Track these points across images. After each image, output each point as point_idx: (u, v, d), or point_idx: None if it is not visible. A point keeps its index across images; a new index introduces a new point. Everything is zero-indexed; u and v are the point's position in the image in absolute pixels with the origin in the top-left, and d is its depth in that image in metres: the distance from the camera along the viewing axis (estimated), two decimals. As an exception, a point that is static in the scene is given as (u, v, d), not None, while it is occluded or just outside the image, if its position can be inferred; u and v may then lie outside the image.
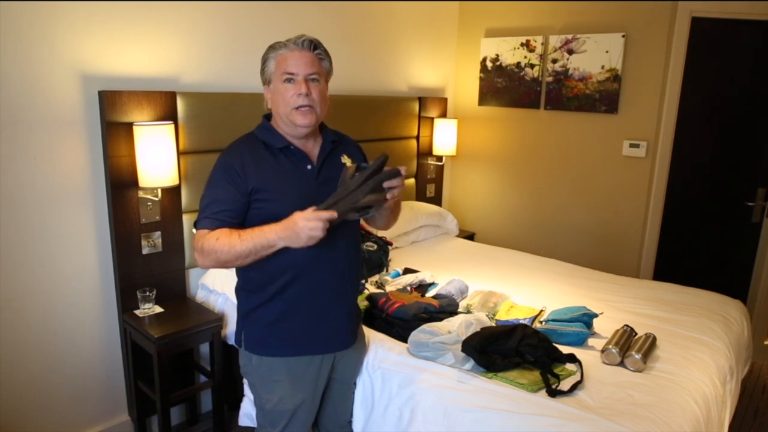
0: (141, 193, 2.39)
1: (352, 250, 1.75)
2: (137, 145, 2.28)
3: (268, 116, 1.70)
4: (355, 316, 1.82)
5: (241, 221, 1.58)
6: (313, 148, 1.68)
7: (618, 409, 1.69)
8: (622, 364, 1.95)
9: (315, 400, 1.77)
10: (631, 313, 2.42)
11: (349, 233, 1.72)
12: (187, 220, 2.57)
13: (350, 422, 1.97)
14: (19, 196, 2.14)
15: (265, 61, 1.62)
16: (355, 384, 1.96)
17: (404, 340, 2.04)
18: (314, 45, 1.60)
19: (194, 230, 1.59)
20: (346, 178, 1.51)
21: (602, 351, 1.99)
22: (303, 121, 1.58)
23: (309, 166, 1.64)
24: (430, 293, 2.53)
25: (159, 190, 2.39)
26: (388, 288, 2.55)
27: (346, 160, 1.72)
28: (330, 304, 1.68)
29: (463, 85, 4.14)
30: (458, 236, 3.74)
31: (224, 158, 1.60)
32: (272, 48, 1.61)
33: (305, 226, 1.43)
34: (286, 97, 1.57)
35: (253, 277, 1.64)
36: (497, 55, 3.86)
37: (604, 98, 3.42)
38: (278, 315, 1.64)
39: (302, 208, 1.54)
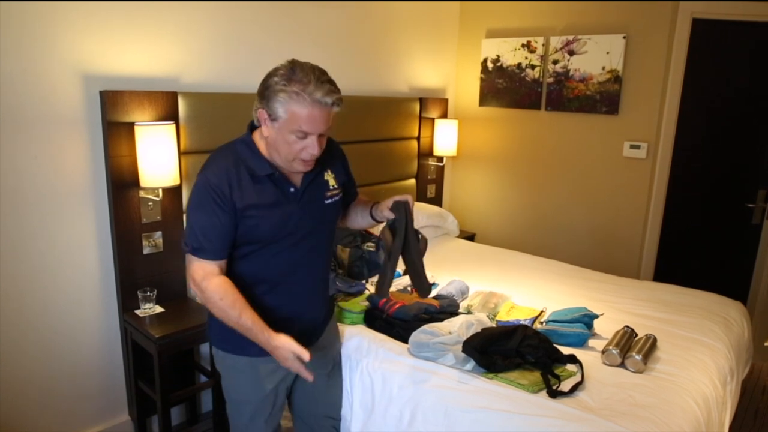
0: (142, 193, 2.39)
1: (326, 261, 1.77)
2: (138, 145, 2.28)
3: (252, 126, 1.61)
4: (322, 319, 1.81)
5: (234, 243, 1.56)
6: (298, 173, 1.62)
7: (618, 409, 1.69)
8: (622, 365, 1.96)
9: (280, 395, 1.77)
10: (631, 314, 2.43)
11: (325, 247, 1.73)
12: (188, 220, 2.57)
13: (333, 418, 1.95)
14: (20, 196, 2.15)
15: (274, 95, 1.43)
16: (333, 376, 1.93)
17: (405, 340, 2.04)
18: (337, 103, 1.46)
19: (186, 253, 1.55)
20: (387, 243, 1.66)
21: (603, 352, 2.00)
22: (305, 169, 1.56)
23: (292, 189, 1.59)
24: (431, 294, 2.53)
25: (160, 190, 2.39)
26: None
27: (329, 176, 1.69)
28: (300, 313, 1.70)
29: (463, 85, 4.14)
30: (459, 237, 3.74)
31: (208, 179, 1.50)
32: (285, 90, 1.41)
33: (286, 358, 1.52)
34: (294, 149, 1.48)
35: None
36: (498, 56, 3.87)
37: (604, 99, 3.42)
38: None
39: (284, 230, 1.57)
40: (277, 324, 1.64)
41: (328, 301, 1.86)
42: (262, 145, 1.56)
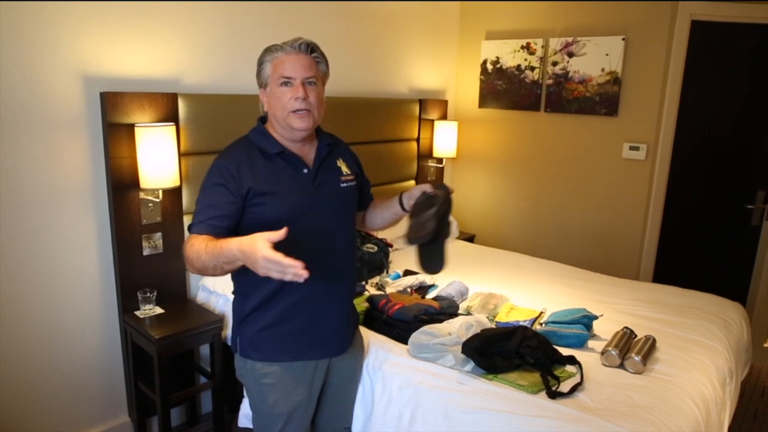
0: (142, 194, 2.39)
1: (349, 252, 1.75)
2: (138, 147, 2.29)
3: (263, 119, 1.69)
4: (351, 318, 1.81)
5: (234, 224, 1.54)
6: (309, 152, 1.67)
7: (617, 410, 1.69)
8: (621, 365, 1.96)
9: (310, 404, 1.75)
10: (630, 315, 2.43)
11: (346, 234, 1.71)
12: (188, 221, 2.55)
13: (348, 429, 1.95)
14: (20, 197, 2.15)
15: (261, 63, 1.60)
16: (354, 389, 1.94)
17: (404, 341, 2.04)
18: (311, 48, 1.58)
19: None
20: (419, 209, 1.67)
21: (602, 353, 2.00)
22: (300, 124, 1.57)
23: (305, 170, 1.62)
24: (431, 295, 2.53)
25: (160, 192, 2.40)
26: (389, 290, 2.55)
27: (341, 164, 1.73)
28: (326, 307, 1.67)
29: (463, 87, 4.15)
30: (458, 238, 3.75)
31: (219, 161, 1.57)
32: (268, 51, 1.58)
33: (264, 266, 1.26)
34: (283, 101, 1.55)
35: (247, 280, 1.62)
36: (498, 58, 3.87)
37: (604, 101, 3.43)
38: (273, 319, 1.63)
39: (299, 211, 1.56)
40: (290, 329, 1.64)
41: (352, 307, 1.82)
42: (271, 129, 1.64)
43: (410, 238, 1.66)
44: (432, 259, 1.71)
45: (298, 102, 1.54)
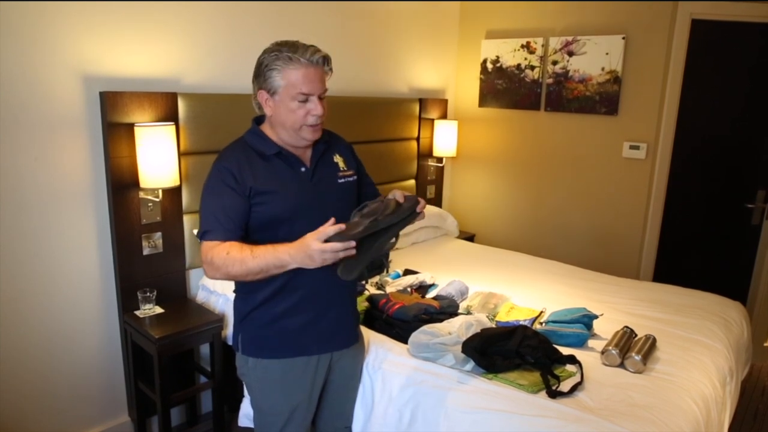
0: (142, 194, 2.39)
1: None
2: (138, 146, 2.29)
3: (257, 119, 1.68)
4: (352, 316, 1.82)
5: (246, 225, 1.56)
6: (306, 151, 1.67)
7: (618, 410, 1.69)
8: (622, 365, 1.96)
9: (312, 402, 1.76)
10: (631, 314, 2.43)
11: None
12: (188, 221, 2.57)
13: (348, 428, 1.96)
14: (20, 197, 2.15)
15: (270, 69, 1.52)
16: (354, 388, 1.94)
17: (404, 341, 2.04)
18: (327, 61, 1.55)
19: (200, 241, 1.55)
20: (381, 208, 1.49)
21: (602, 352, 2.00)
22: (314, 136, 1.59)
23: (303, 169, 1.63)
24: (431, 294, 2.53)
25: (160, 191, 2.40)
26: (389, 289, 2.55)
27: (339, 160, 1.73)
28: (327, 305, 1.68)
29: (463, 86, 4.15)
30: (458, 237, 3.74)
31: (220, 163, 1.57)
32: (280, 58, 1.50)
33: (320, 251, 1.37)
34: (299, 114, 1.54)
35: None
36: (498, 57, 3.87)
37: (604, 100, 3.43)
38: (274, 316, 1.64)
39: (300, 209, 1.57)
40: (291, 327, 1.65)
41: (354, 304, 1.83)
42: (268, 130, 1.63)
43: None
44: (347, 265, 1.49)
45: (315, 118, 1.55)
